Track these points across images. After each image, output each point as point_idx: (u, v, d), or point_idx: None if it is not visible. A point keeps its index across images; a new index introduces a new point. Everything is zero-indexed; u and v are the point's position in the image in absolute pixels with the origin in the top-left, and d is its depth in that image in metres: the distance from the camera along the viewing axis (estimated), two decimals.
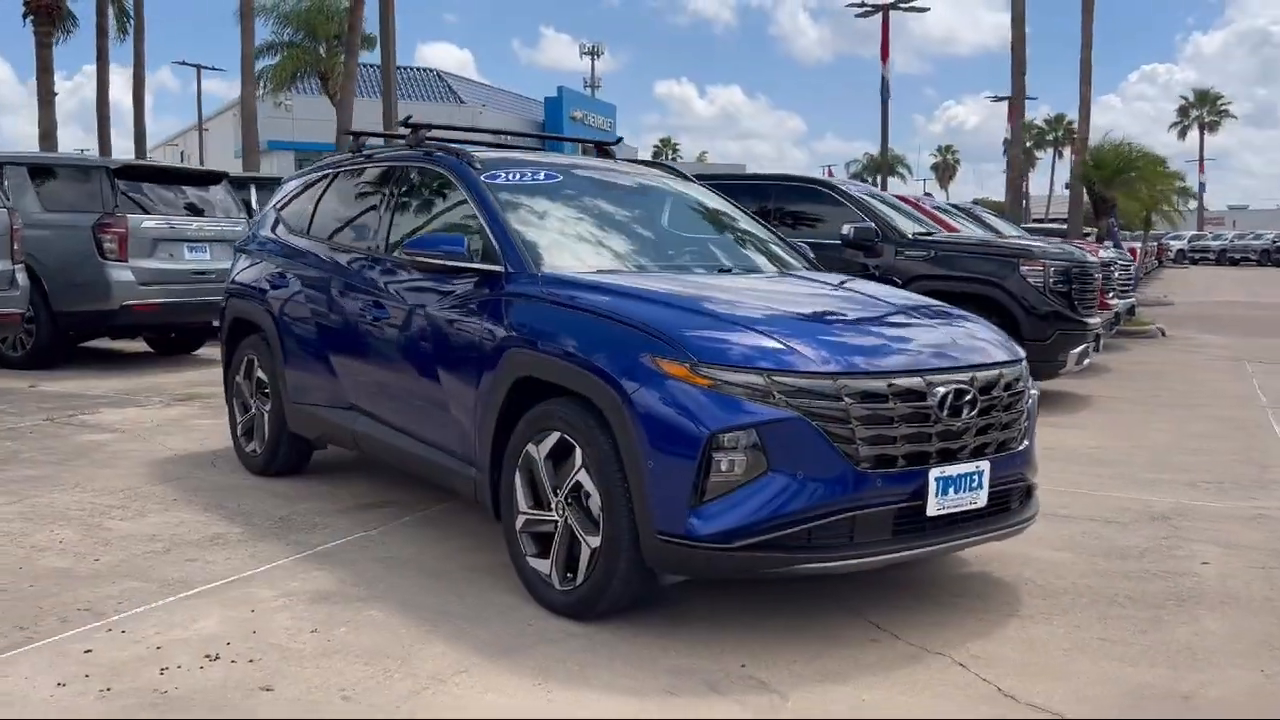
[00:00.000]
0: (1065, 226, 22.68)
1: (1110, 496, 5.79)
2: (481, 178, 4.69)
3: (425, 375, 4.53)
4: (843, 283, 4.84)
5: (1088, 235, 21.21)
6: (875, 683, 3.32)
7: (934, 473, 3.58)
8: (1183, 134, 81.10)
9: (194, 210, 10.61)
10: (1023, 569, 4.44)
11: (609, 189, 5.07)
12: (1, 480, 5.74)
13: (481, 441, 4.17)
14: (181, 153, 56.03)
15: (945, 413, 3.61)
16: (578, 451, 3.71)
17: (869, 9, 28.50)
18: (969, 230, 11.62)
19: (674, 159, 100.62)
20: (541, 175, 4.87)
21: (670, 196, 5.32)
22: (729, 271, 4.87)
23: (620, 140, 6.52)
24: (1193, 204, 63.46)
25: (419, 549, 4.62)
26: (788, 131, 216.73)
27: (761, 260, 5.03)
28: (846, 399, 3.45)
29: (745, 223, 5.42)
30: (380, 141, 6.52)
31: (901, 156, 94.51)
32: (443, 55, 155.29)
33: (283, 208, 6.14)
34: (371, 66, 35.36)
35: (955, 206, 14.02)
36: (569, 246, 4.57)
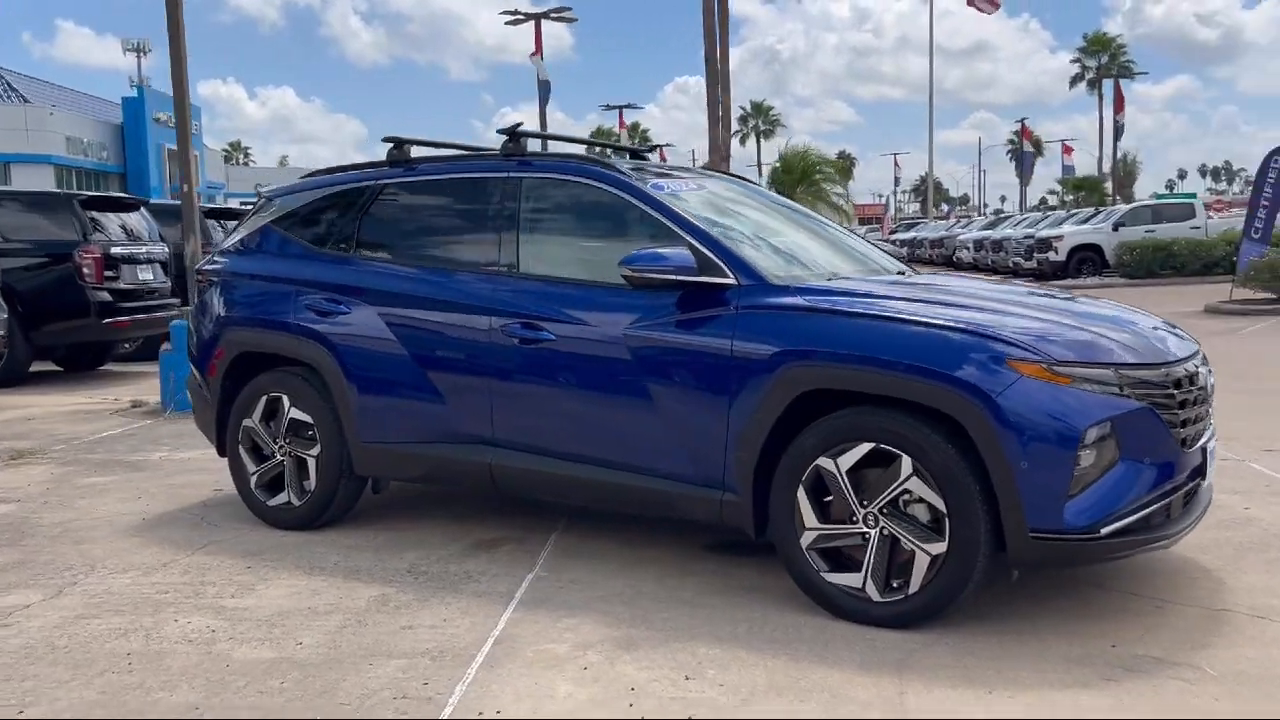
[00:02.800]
0: None
1: None
2: (651, 190, 4.49)
3: (629, 400, 4.27)
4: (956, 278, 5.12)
5: None
6: (1225, 643, 3.65)
7: (1209, 446, 3.99)
8: (743, 141, 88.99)
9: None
10: None
11: (744, 198, 5.00)
12: None
13: (742, 461, 4.02)
14: None
15: (1198, 392, 4.01)
16: (904, 460, 3.71)
17: (520, 18, 28.90)
18: None
19: (246, 163, 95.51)
20: (693, 185, 4.74)
21: (780, 203, 5.34)
22: (899, 273, 4.95)
23: (658, 148, 6.37)
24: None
25: (626, 581, 4.34)
26: (349, 135, 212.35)
27: (888, 261, 5.18)
28: (1171, 386, 3.76)
29: (834, 227, 5.55)
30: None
31: None
32: None
33: (288, 226, 5.41)
34: None
35: None
36: (768, 255, 4.49)
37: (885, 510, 3.77)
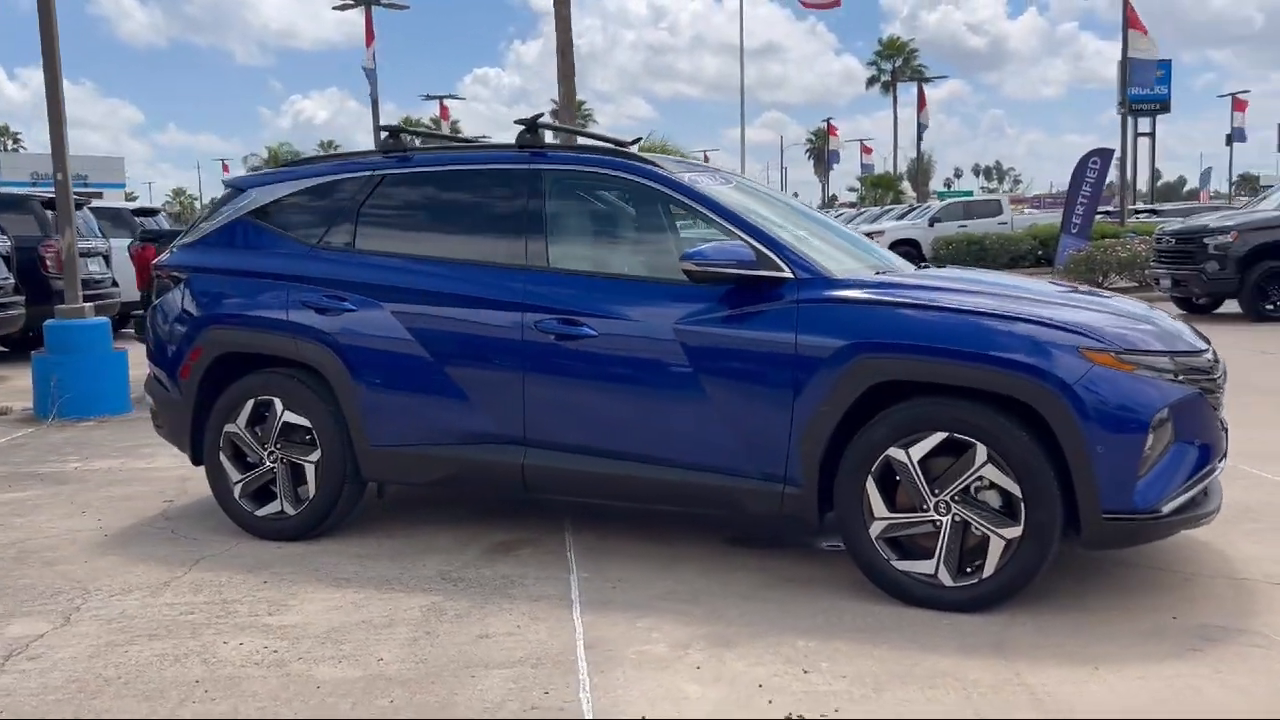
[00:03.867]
0: None
1: None
2: (690, 184, 4.46)
3: (680, 395, 4.23)
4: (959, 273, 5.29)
5: None
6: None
7: (1227, 429, 4.29)
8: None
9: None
10: None
11: (757, 194, 5.01)
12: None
13: (807, 454, 4.05)
14: None
15: (1221, 378, 4.29)
16: (979, 448, 3.83)
17: (348, 4, 27.93)
18: None
19: (17, 148, 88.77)
20: (720, 180, 4.72)
21: (784, 199, 5.37)
22: (920, 268, 5.05)
23: (639, 140, 6.27)
24: None
25: (674, 579, 4.30)
26: (123, 121, 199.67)
27: (894, 258, 5.28)
28: (1214, 372, 4.02)
29: (836, 223, 5.62)
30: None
31: (299, 152, 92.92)
32: None
33: (268, 218, 5.08)
34: None
35: None
36: (814, 249, 4.51)
37: (957, 497, 3.87)
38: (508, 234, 4.61)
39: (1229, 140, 52.66)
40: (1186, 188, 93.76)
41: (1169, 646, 3.59)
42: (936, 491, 3.89)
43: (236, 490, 4.97)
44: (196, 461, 5.16)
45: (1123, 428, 3.73)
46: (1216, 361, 4.17)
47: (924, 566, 3.94)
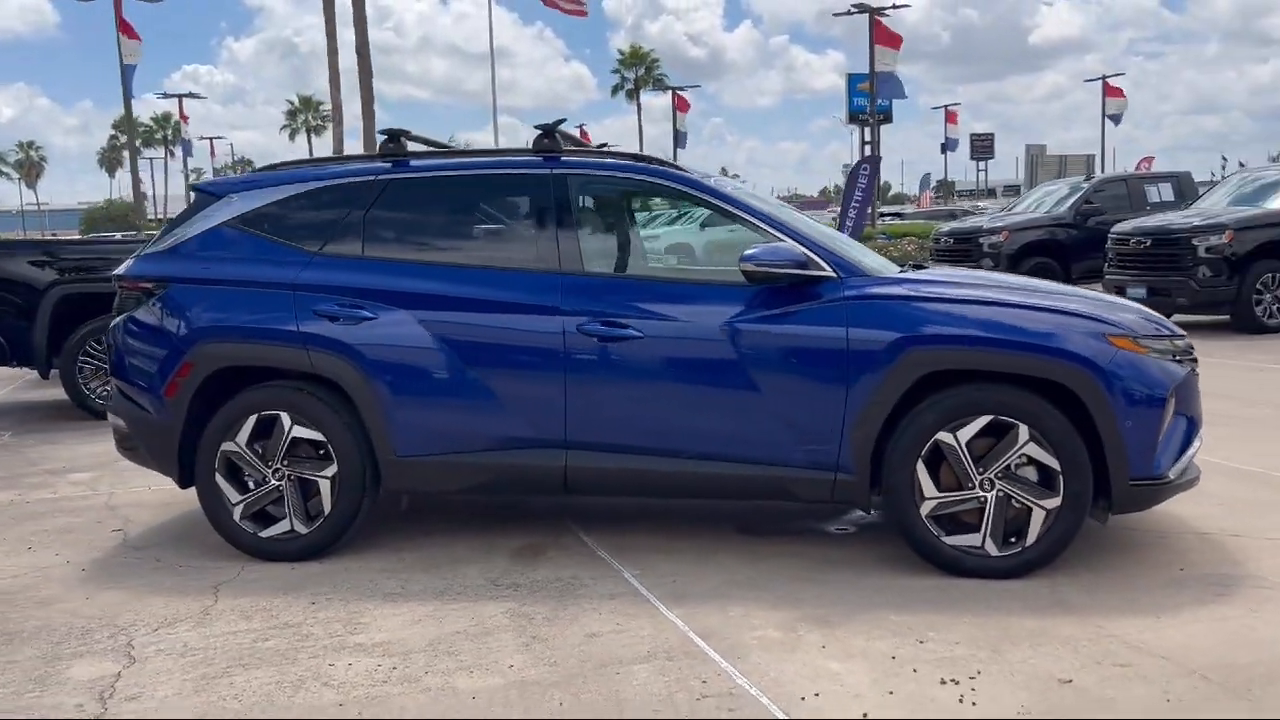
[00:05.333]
0: None
1: None
2: (718, 187, 4.64)
3: (731, 392, 4.39)
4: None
5: None
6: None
7: None
8: (293, 136, 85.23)
9: None
10: None
11: (759, 195, 5.21)
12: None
13: (858, 442, 4.31)
14: None
15: None
16: (1021, 428, 4.21)
17: None
18: None
19: None
20: (736, 184, 4.91)
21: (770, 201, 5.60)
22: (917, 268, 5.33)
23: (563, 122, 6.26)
24: None
25: (723, 571, 4.46)
26: None
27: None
28: (1193, 353, 4.58)
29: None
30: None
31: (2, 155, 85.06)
32: None
33: (259, 225, 4.84)
34: None
35: None
36: (843, 248, 4.75)
37: (1000, 474, 4.24)
38: (538, 238, 4.63)
39: (943, 149, 57.32)
40: (891, 192, 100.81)
41: (1195, 593, 4.09)
42: (981, 470, 4.24)
43: (237, 512, 4.72)
44: (185, 485, 4.85)
45: (1147, 404, 4.22)
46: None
47: (973, 539, 4.28)
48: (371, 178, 4.84)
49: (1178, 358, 4.41)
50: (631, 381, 4.48)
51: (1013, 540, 4.28)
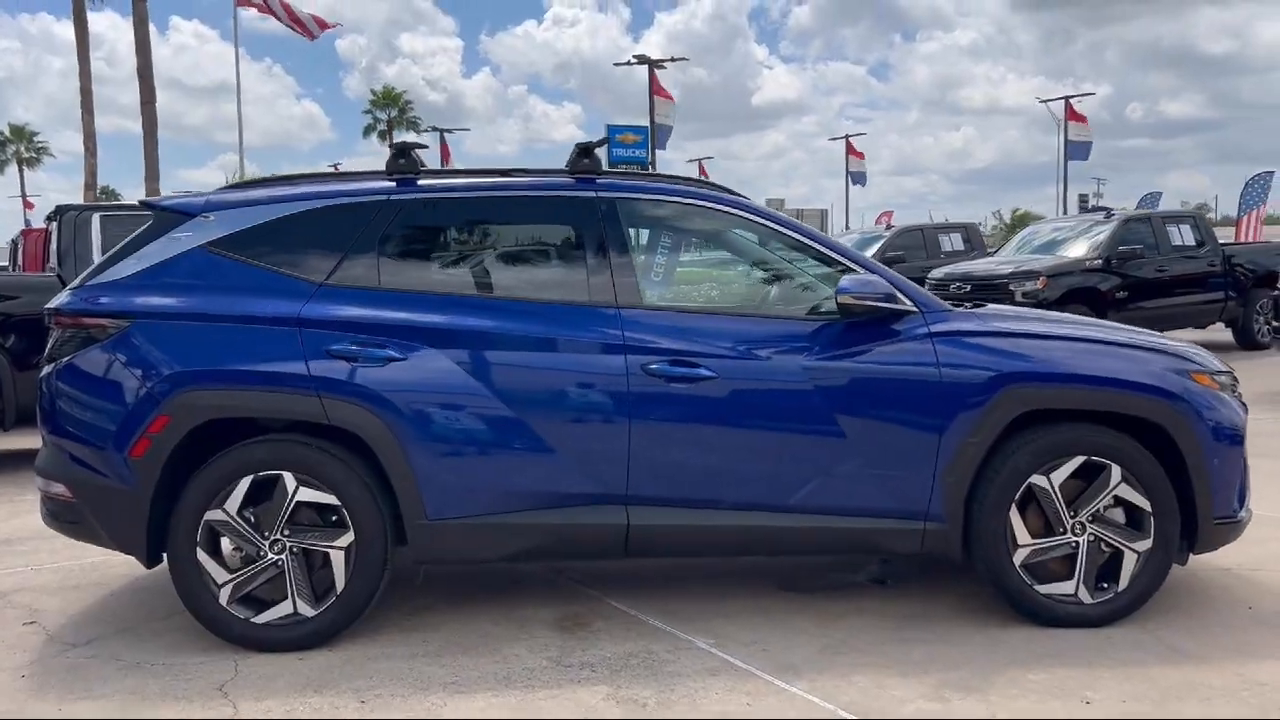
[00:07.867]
0: None
1: None
2: (785, 217, 4.29)
3: (816, 436, 4.01)
4: None
5: None
6: None
7: None
8: (1, 169, 77.92)
9: None
10: None
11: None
12: None
13: (951, 487, 4.02)
14: None
15: None
16: (1113, 469, 4.04)
17: None
18: None
19: None
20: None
21: None
22: None
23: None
24: None
25: (790, 634, 4.05)
26: None
27: None
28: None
29: None
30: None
31: None
32: None
33: (245, 250, 4.06)
34: None
35: None
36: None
37: (1090, 517, 4.06)
38: (587, 269, 4.11)
39: (849, 182, 58.07)
40: None
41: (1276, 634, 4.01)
42: (1073, 514, 4.04)
43: (224, 594, 3.91)
44: (152, 563, 3.99)
45: (1230, 441, 4.16)
46: None
47: (1065, 587, 4.07)
48: (380, 199, 4.19)
49: (1236, 392, 4.39)
50: (703, 427, 4.02)
51: (1104, 586, 4.10)
